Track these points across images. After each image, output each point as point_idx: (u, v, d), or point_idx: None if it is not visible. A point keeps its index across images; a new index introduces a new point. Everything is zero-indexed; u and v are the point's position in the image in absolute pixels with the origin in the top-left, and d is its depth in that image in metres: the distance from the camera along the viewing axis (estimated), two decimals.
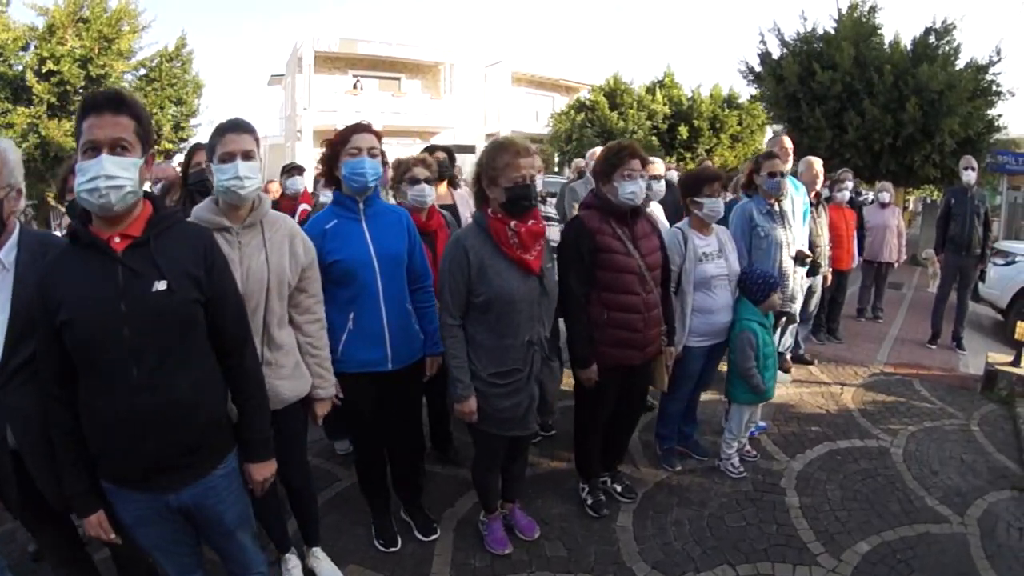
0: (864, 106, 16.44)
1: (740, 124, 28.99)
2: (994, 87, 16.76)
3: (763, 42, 19.16)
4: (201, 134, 21.79)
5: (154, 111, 17.69)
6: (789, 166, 6.10)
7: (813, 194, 6.70)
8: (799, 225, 5.92)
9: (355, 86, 32.54)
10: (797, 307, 5.87)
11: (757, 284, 4.54)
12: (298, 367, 3.10)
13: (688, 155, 29.32)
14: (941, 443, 5.54)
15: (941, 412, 6.24)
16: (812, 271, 5.86)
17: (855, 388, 6.87)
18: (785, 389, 6.64)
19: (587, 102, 30.19)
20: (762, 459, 5.18)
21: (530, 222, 3.31)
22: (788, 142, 6.19)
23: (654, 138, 28.35)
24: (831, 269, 7.31)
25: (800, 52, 18.19)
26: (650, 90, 30.04)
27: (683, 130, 28.56)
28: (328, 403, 3.29)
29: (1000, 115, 17.34)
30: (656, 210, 5.55)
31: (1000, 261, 9.57)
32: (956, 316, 8.50)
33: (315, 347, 3.17)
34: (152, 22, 18.87)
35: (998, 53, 16.60)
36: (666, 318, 4.09)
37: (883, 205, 9.87)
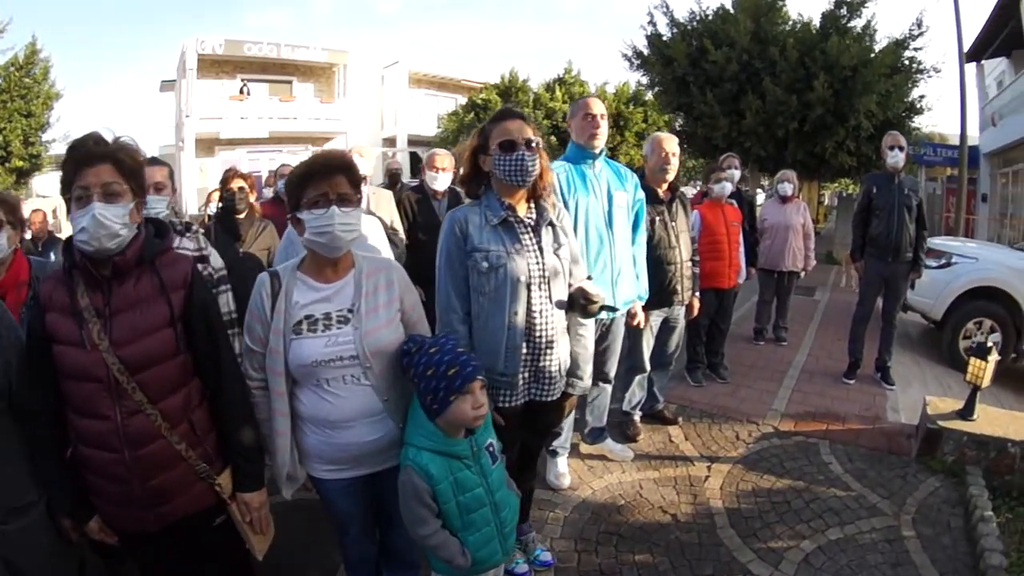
0: (765, 87, 14.03)
1: (646, 121, 27.51)
2: (915, 64, 14.53)
3: (652, 22, 16.51)
4: (56, 149, 19.97)
5: (1, 125, 16.46)
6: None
7: (665, 187, 4.74)
8: (586, 242, 3.69)
9: (241, 91, 30.29)
10: (585, 381, 3.06)
11: (426, 383, 2.17)
12: None
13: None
14: (856, 571, 3.39)
15: (857, 504, 4.08)
16: (586, 313, 3.10)
17: (730, 467, 4.56)
18: (620, 475, 4.43)
19: (479, 101, 28.25)
20: None
21: None
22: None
23: (553, 138, 26.59)
24: (697, 294, 5.14)
25: (692, 31, 15.75)
26: (549, 88, 28.56)
27: None
28: None
29: (923, 96, 15.25)
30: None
31: (932, 263, 7.51)
32: (881, 341, 6.39)
33: None
34: (7, 24, 17.38)
35: (919, 25, 14.43)
36: None
37: (784, 200, 7.74)
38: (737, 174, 6.80)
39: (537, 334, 2.70)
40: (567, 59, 41.07)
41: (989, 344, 4.63)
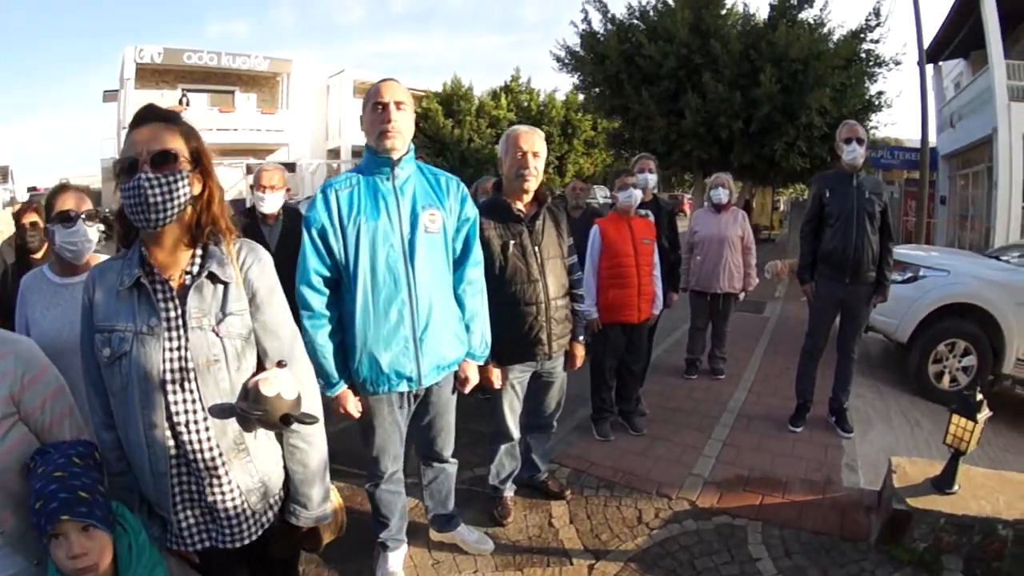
0: (705, 83, 12.30)
1: (595, 128, 26.68)
2: (873, 57, 12.96)
3: (586, 19, 14.50)
4: None
5: None
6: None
7: (527, 199, 3.40)
8: (371, 285, 2.63)
9: (180, 101, 29.05)
10: (312, 509, 2.03)
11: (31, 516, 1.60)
12: None
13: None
14: None
15: None
16: (246, 424, 1.80)
17: (620, 568, 3.25)
18: None
19: (418, 111, 26.88)
20: None
21: None
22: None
23: (496, 146, 25.41)
24: (583, 338, 3.72)
25: (628, 27, 13.90)
26: (495, 96, 27.48)
27: None
28: None
29: (882, 92, 13.57)
30: None
31: (897, 277, 6.24)
32: (836, 378, 5.07)
33: None
34: None
35: (877, 15, 12.79)
36: None
37: (718, 208, 6.39)
38: (652, 179, 5.39)
39: (190, 457, 1.75)
40: (515, 66, 39.97)
41: (979, 397, 3.39)
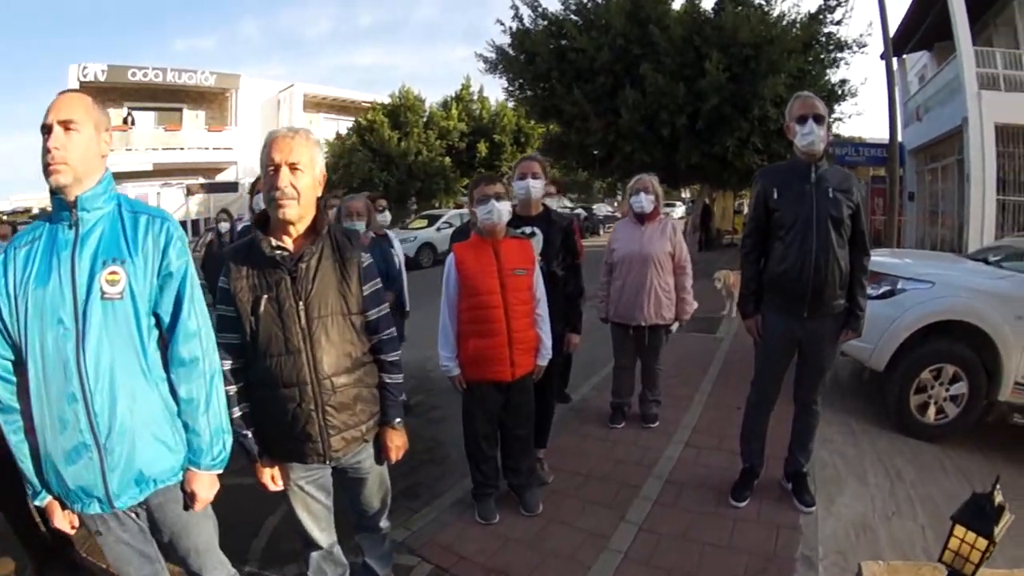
0: (643, 74, 10.51)
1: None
2: (834, 40, 11.21)
3: (517, 16, 12.49)
4: None
5: None
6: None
7: (296, 233, 2.33)
8: (40, 373, 1.94)
9: (125, 120, 27.68)
10: None
11: None
12: None
13: (492, 174, 25.64)
14: None
15: None
16: None
17: None
18: None
19: (363, 122, 25.62)
20: None
21: None
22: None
23: (447, 158, 24.24)
24: (398, 421, 2.56)
25: (559, 20, 12.06)
26: (445, 105, 26.07)
27: (482, 147, 24.89)
28: None
29: (846, 81, 11.83)
30: None
31: (872, 291, 4.71)
32: (793, 436, 3.81)
33: None
34: None
35: None
36: None
37: (640, 219, 4.96)
38: (537, 186, 3.94)
39: None
40: (464, 74, 38.87)
41: (997, 498, 2.09)
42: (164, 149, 27.96)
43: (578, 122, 11.49)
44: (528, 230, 3.82)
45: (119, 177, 20.51)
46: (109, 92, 27.49)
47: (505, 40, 12.14)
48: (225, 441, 2.17)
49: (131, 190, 24.68)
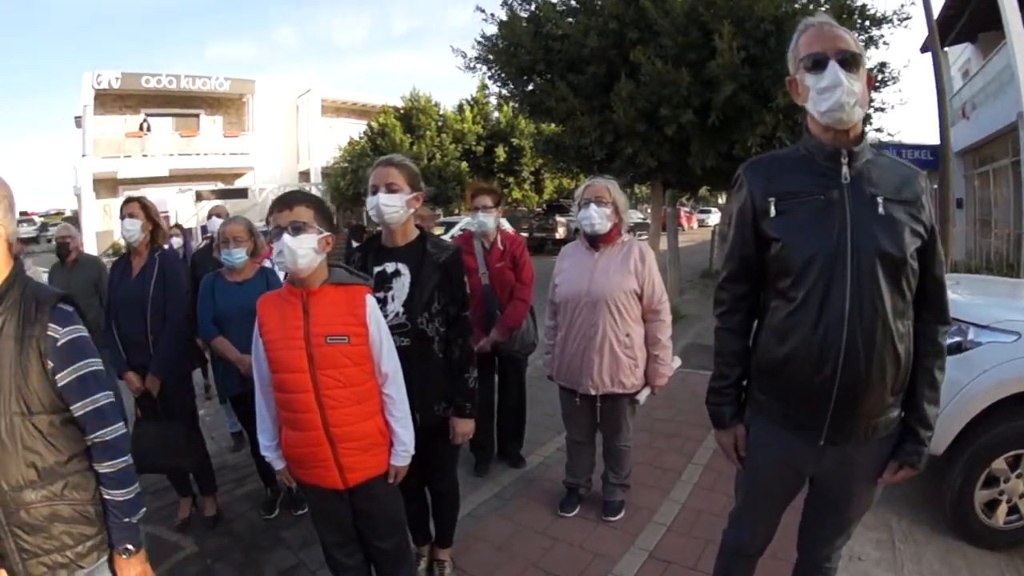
0: (636, 59, 8.36)
1: None
2: (867, 15, 8.77)
3: (506, 3, 10.23)
4: None
5: None
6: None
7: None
8: None
9: (141, 127, 27.11)
10: None
11: None
12: None
13: (511, 179, 24.32)
14: None
15: None
16: None
17: None
18: None
19: (375, 126, 24.33)
20: None
21: None
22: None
23: (463, 163, 22.81)
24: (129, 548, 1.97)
25: (544, 5, 9.74)
26: (460, 108, 24.70)
27: (500, 151, 23.42)
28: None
29: (885, 64, 9.51)
30: None
31: None
32: None
33: None
34: None
35: None
36: None
37: (592, 241, 3.59)
38: (393, 202, 2.74)
39: None
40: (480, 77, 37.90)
41: None
42: (180, 155, 27.20)
43: (571, 120, 9.63)
44: (391, 268, 2.78)
45: (136, 183, 18.90)
46: (126, 99, 27.25)
47: (492, 31, 10.27)
48: None
49: (148, 195, 24.34)
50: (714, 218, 30.19)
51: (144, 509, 1.93)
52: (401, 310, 2.69)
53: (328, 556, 2.62)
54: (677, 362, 3.82)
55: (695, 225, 37.31)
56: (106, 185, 25.63)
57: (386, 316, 2.54)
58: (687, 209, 36.43)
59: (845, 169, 1.82)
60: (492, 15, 9.97)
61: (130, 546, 1.88)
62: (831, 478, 2.01)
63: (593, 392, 3.48)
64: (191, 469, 3.98)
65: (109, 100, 26.36)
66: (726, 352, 2.11)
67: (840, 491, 2.03)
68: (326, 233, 2.29)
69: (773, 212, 1.88)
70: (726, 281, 2.09)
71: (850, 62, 1.76)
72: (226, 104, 29.71)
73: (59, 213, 43.22)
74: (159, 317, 3.73)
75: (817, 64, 1.78)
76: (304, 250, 2.21)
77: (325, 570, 2.60)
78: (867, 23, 8.59)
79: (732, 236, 2.05)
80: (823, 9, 8.22)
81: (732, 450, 2.14)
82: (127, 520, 1.88)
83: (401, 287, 2.72)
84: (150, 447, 3.51)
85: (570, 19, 9.25)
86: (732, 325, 2.09)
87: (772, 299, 1.95)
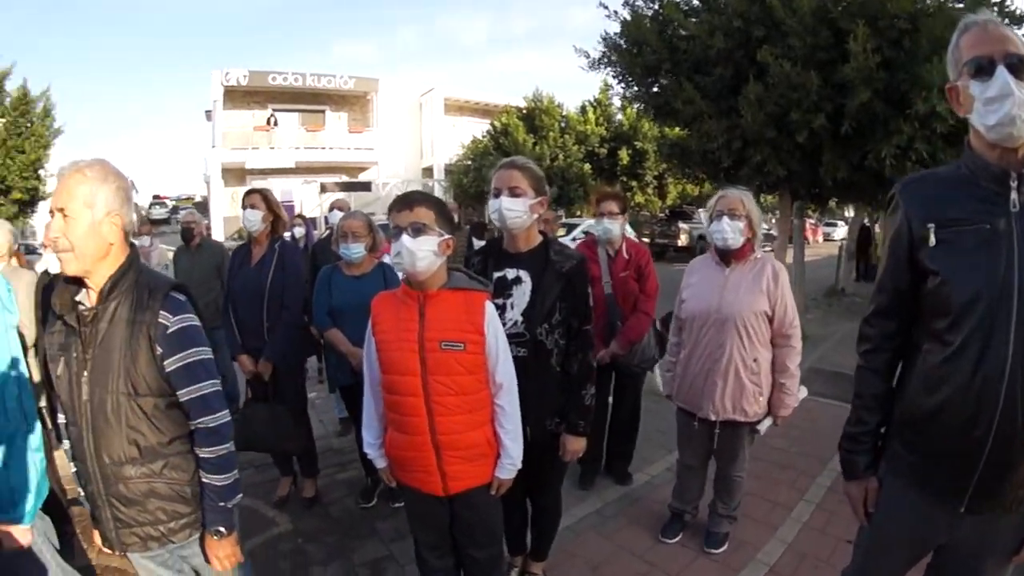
0: (763, 59, 7.88)
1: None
2: (1007, 7, 7.53)
3: (628, 2, 9.70)
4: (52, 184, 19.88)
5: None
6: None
7: (94, 281, 1.91)
8: None
9: (268, 121, 28.66)
10: None
11: None
12: None
13: (634, 183, 23.95)
14: None
15: None
16: None
17: None
18: None
19: (498, 126, 24.50)
20: None
21: None
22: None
23: (587, 165, 22.54)
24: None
25: (667, 4, 9.21)
26: (583, 110, 24.51)
27: (623, 154, 23.03)
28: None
29: None
30: None
31: None
32: None
33: None
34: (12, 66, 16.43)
35: None
36: None
37: (723, 256, 3.36)
38: (516, 206, 2.64)
39: None
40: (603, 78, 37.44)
41: None
42: (306, 148, 28.52)
43: (697, 123, 9.19)
44: (511, 274, 2.68)
45: (263, 173, 19.82)
46: (254, 95, 28.74)
47: (614, 28, 9.90)
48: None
49: (274, 185, 25.40)
50: (840, 231, 28.50)
51: (240, 495, 1.97)
52: (520, 319, 2.60)
53: (419, 555, 2.60)
54: (803, 392, 3.55)
55: (820, 239, 35.40)
56: (234, 174, 27.06)
57: (503, 324, 2.44)
58: (812, 221, 34.69)
59: (1014, 195, 1.57)
60: (615, 12, 9.55)
61: (222, 528, 1.94)
62: (963, 549, 1.79)
63: (713, 417, 3.32)
64: (296, 452, 4.08)
65: (238, 96, 27.94)
66: (867, 395, 1.92)
67: (969, 565, 1.82)
68: (447, 236, 2.21)
69: (933, 241, 1.65)
70: (875, 316, 1.90)
71: (1020, 68, 1.52)
72: (351, 101, 30.73)
73: (189, 198, 45.96)
74: (276, 305, 3.83)
75: (982, 69, 1.55)
76: (423, 252, 2.15)
77: (413, 566, 2.59)
78: (1006, 20, 7.55)
79: (884, 265, 1.86)
80: (959, 7, 7.39)
81: (860, 504, 1.96)
82: (223, 504, 1.93)
83: (521, 295, 2.64)
84: (258, 428, 3.66)
85: (694, 19, 8.74)
86: (877, 365, 1.90)
87: (924, 340, 1.72)
